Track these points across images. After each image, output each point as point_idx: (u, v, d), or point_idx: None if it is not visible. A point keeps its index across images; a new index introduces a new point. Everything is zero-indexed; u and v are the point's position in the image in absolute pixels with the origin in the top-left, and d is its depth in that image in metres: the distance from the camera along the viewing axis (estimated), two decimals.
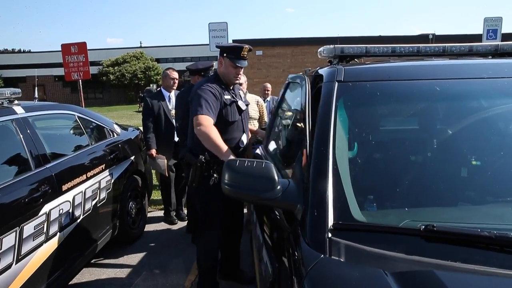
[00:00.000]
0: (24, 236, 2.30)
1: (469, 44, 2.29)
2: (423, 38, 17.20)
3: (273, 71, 17.13)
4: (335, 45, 2.25)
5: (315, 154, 1.38)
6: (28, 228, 2.34)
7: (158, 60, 33.65)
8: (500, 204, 1.31)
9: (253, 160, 1.43)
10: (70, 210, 2.80)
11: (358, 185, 1.30)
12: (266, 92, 6.15)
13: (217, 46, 2.85)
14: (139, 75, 31.18)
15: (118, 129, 4.09)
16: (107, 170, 3.44)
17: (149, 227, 4.38)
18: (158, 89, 4.66)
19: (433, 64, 1.82)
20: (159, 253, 3.74)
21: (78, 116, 3.43)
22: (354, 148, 1.50)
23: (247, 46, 2.66)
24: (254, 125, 4.16)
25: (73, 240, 2.81)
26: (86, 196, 3.03)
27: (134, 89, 32.23)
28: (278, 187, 1.34)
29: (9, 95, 2.74)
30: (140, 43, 55.43)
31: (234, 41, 17.23)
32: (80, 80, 6.48)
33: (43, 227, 2.47)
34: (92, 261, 3.47)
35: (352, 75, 1.73)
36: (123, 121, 19.04)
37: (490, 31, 11.65)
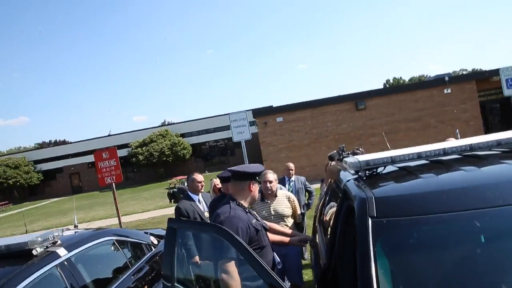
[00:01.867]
0: None
1: (495, 138, 2.26)
2: (440, 81, 17.23)
3: (295, 135, 17.34)
4: (360, 160, 2.26)
5: None
6: None
7: (183, 135, 34.90)
8: None
9: None
10: None
11: None
12: (290, 171, 5.88)
13: (234, 172, 2.75)
14: (166, 152, 32.23)
15: (155, 241, 4.14)
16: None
17: None
18: (185, 193, 4.75)
19: (467, 187, 1.74)
20: None
21: (116, 240, 3.51)
22: None
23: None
24: (288, 223, 3.97)
25: None
26: None
27: (163, 166, 33.14)
28: None
29: (52, 239, 2.86)
30: (164, 121, 57.99)
31: (253, 111, 17.78)
32: (114, 184, 6.78)
33: None
34: None
35: (385, 208, 1.71)
36: (156, 201, 19.41)
37: (510, 80, 11.65)
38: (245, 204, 2.68)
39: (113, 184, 6.76)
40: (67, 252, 2.82)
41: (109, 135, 38.87)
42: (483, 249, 1.54)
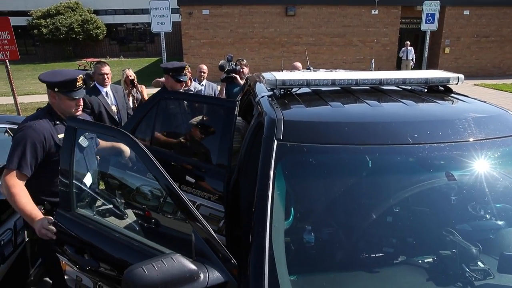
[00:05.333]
0: None
1: (402, 77, 2.42)
2: (370, 0, 17.38)
3: (220, 31, 16.61)
4: (277, 78, 2.27)
5: (253, 228, 1.47)
6: None
7: (96, 12, 30.97)
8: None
9: (157, 258, 1.31)
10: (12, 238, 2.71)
11: (291, 263, 1.42)
12: (202, 74, 5.25)
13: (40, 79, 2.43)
14: (76, 29, 28.64)
15: None
16: None
17: None
18: (92, 84, 4.39)
19: (369, 122, 1.86)
20: None
21: (10, 128, 3.21)
22: (290, 217, 1.60)
23: (80, 75, 2.38)
24: None
25: None
26: None
27: (72, 44, 29.76)
28: (202, 274, 1.37)
29: None
30: None
31: None
32: (7, 61, 5.91)
33: None
34: None
35: (292, 132, 1.78)
36: None
37: (429, 15, 12.11)
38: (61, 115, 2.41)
39: (7, 61, 5.91)
40: None
41: None
42: (368, 180, 1.74)
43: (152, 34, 32.06)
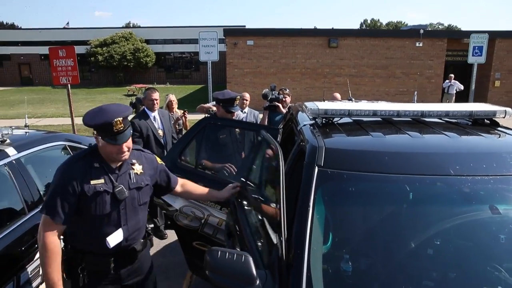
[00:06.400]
0: (21, 283, 2.41)
1: (445, 109, 2.43)
2: (414, 32, 17.27)
3: (263, 61, 17.09)
4: (319, 107, 2.35)
5: (293, 254, 1.52)
6: (25, 275, 2.46)
7: (147, 41, 32.99)
8: None
9: (233, 252, 1.55)
10: None
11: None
12: (244, 101, 5.17)
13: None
14: (128, 57, 30.60)
15: None
16: None
17: None
18: (142, 108, 4.69)
19: (409, 152, 1.90)
20: None
21: (69, 145, 3.49)
22: (328, 243, 1.64)
23: (119, 118, 1.96)
24: None
25: None
26: None
27: (123, 71, 31.70)
28: (257, 282, 1.48)
29: (1, 137, 2.79)
30: (129, 22, 54.13)
31: (225, 29, 17.03)
32: (69, 85, 6.46)
33: (39, 270, 2.59)
34: None
35: (332, 159, 1.84)
36: None
37: (476, 47, 11.87)
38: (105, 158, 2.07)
39: (69, 85, 6.45)
40: (16, 153, 2.78)
41: (66, 28, 35.87)
42: (408, 211, 1.75)
43: (197, 63, 33.48)
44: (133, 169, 2.16)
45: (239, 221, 2.30)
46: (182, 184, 2.52)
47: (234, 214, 2.51)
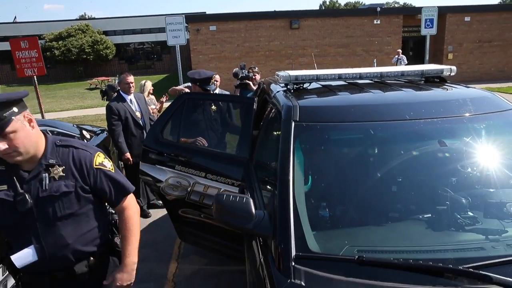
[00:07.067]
0: None
1: (401, 70, 2.77)
2: (372, 10, 17.87)
3: (227, 46, 17.16)
4: (290, 74, 2.61)
5: (279, 193, 1.78)
6: None
7: (106, 33, 31.98)
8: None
9: (236, 195, 1.79)
10: None
11: (312, 219, 1.73)
12: (215, 83, 4.92)
13: None
14: (86, 50, 29.62)
15: (87, 135, 4.24)
16: None
17: None
18: (117, 92, 4.81)
19: (371, 104, 2.22)
20: None
21: (42, 130, 3.56)
22: (309, 182, 1.92)
23: None
24: None
25: None
26: None
27: (83, 64, 30.70)
28: (255, 219, 1.73)
29: None
30: (84, 14, 51.97)
31: (186, 16, 16.91)
32: (35, 76, 6.37)
33: None
34: None
35: (306, 115, 2.12)
36: (75, 101, 18.43)
37: (428, 20, 12.58)
38: None
39: (35, 76, 6.35)
40: None
41: (15, 22, 34.07)
42: (372, 149, 2.06)
43: (160, 52, 32.95)
44: (50, 171, 1.66)
45: (250, 179, 2.53)
46: (125, 208, 1.85)
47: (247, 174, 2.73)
